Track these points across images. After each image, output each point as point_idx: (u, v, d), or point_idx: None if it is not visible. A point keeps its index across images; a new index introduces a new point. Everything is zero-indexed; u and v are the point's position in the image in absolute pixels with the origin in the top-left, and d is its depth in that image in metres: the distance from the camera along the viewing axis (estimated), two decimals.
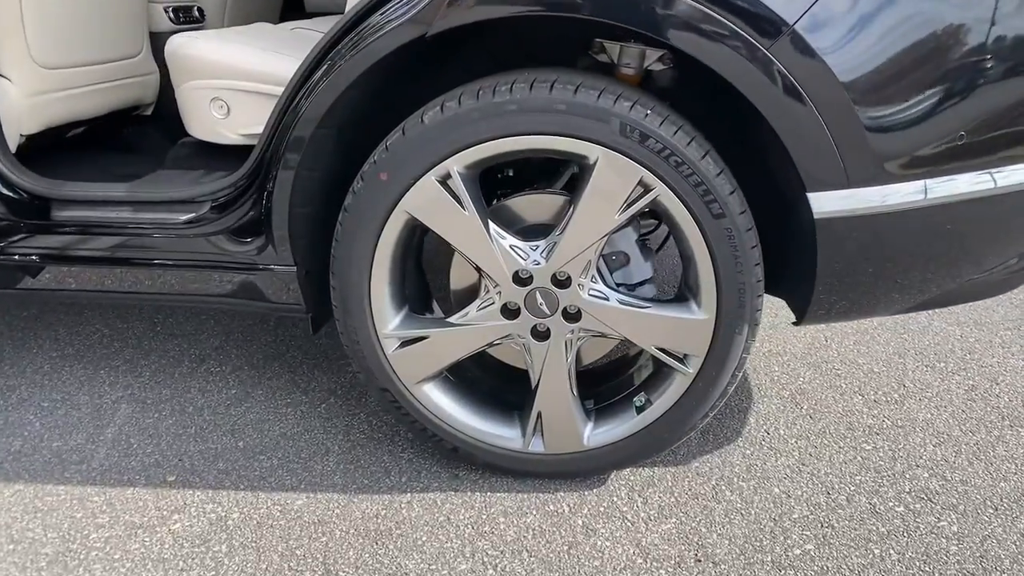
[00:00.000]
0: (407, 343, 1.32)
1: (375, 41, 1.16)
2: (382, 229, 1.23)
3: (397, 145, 1.18)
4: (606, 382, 1.46)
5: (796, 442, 1.48)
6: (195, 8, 2.23)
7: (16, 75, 1.57)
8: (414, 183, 1.19)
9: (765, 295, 1.28)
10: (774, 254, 1.32)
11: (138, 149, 1.95)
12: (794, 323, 1.32)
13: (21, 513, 1.32)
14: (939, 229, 1.14)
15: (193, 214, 1.40)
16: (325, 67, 1.22)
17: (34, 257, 1.48)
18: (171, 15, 2.11)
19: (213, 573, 1.18)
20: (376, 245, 1.24)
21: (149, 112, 2.11)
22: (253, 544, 1.25)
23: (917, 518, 1.27)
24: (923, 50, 1.05)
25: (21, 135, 1.60)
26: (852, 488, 1.35)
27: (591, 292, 1.24)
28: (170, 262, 1.43)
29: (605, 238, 1.20)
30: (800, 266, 1.24)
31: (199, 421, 1.60)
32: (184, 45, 1.55)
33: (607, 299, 1.25)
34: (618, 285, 1.30)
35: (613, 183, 1.15)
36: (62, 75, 1.69)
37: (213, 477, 1.42)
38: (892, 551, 1.20)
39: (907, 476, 1.38)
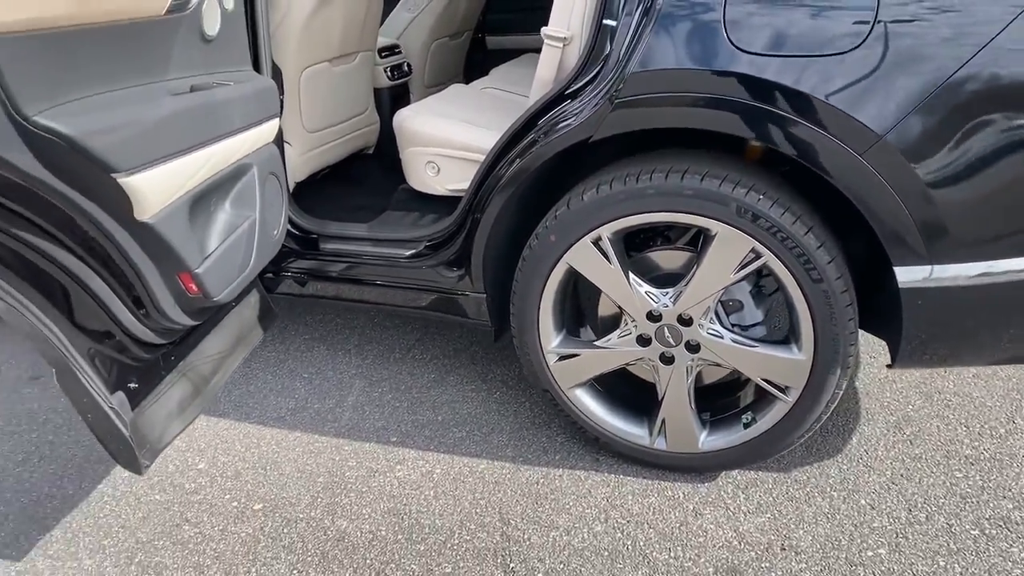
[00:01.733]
0: (564, 358, 1.75)
1: (547, 144, 1.57)
2: (549, 275, 1.66)
3: (563, 215, 1.60)
4: (721, 399, 1.79)
5: (891, 463, 1.72)
6: (405, 64, 2.78)
7: (294, 140, 2.18)
8: (574, 243, 1.60)
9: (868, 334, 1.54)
10: (871, 305, 1.58)
11: (366, 183, 2.54)
12: (888, 366, 1.57)
13: (301, 453, 1.95)
14: (1009, 301, 1.34)
15: (414, 251, 1.92)
16: (509, 158, 1.65)
17: (302, 274, 2.09)
18: (389, 73, 2.67)
19: (424, 510, 1.71)
20: (544, 286, 1.67)
21: (371, 151, 2.70)
22: (451, 493, 1.76)
23: (989, 542, 1.49)
24: (992, 155, 1.26)
25: (295, 183, 2.23)
26: (934, 508, 1.58)
27: (709, 331, 1.58)
28: (394, 284, 1.96)
29: (721, 291, 1.53)
30: (891, 319, 1.49)
31: (410, 397, 2.16)
32: (407, 119, 2.07)
33: (722, 337, 1.58)
34: (732, 326, 1.63)
35: (729, 251, 1.48)
36: (320, 135, 2.29)
37: (422, 441, 1.96)
38: (956, 566, 1.44)
39: (990, 505, 1.58)
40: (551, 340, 1.74)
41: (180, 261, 1.29)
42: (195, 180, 1.30)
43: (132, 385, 1.40)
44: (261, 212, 1.63)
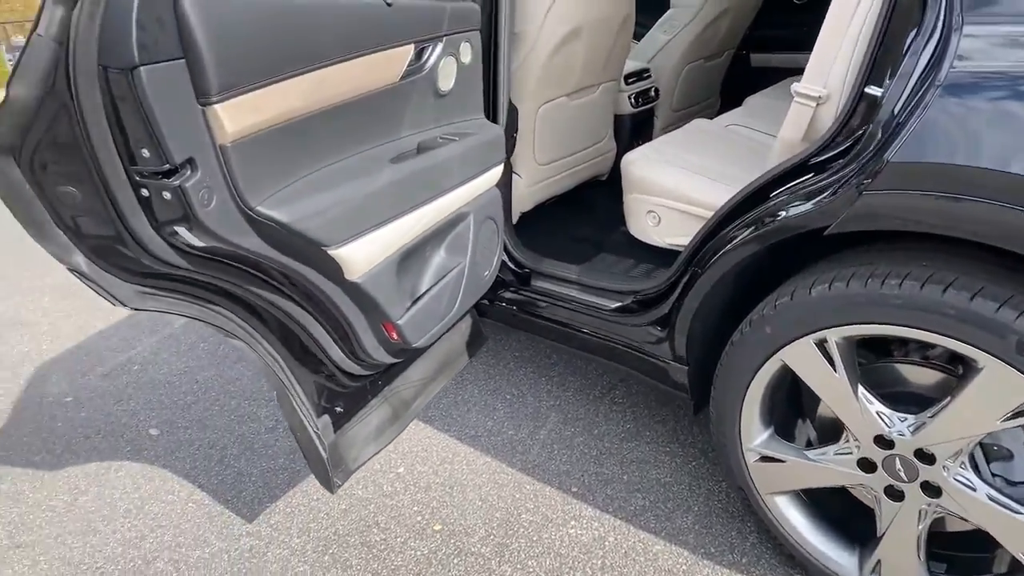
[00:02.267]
0: (767, 459, 1.54)
1: (774, 227, 1.37)
2: (759, 368, 1.46)
3: (784, 307, 1.39)
4: (964, 551, 1.44)
5: None
6: (652, 89, 2.66)
7: (523, 172, 2.22)
8: (794, 341, 1.39)
9: None
10: None
11: (591, 213, 2.50)
12: None
13: (486, 480, 2.02)
14: None
15: (620, 304, 1.83)
16: (735, 225, 1.48)
17: (513, 306, 2.13)
18: (632, 100, 2.58)
19: None
20: (752, 379, 1.48)
21: (604, 178, 2.65)
22: (618, 570, 1.68)
23: None
24: None
25: (520, 213, 2.27)
26: None
27: (958, 477, 1.27)
28: (595, 334, 1.91)
29: (982, 436, 1.21)
30: None
31: (600, 446, 2.11)
32: (633, 164, 1.97)
33: (975, 489, 1.26)
34: (994, 476, 1.28)
35: (1001, 392, 1.16)
36: (551, 167, 2.30)
37: (602, 499, 1.90)
38: None
39: None
40: (753, 437, 1.55)
41: (384, 313, 1.38)
42: (404, 240, 1.38)
43: (338, 409, 1.55)
44: (472, 257, 1.68)
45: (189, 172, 0.92)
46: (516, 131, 2.08)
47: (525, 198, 2.25)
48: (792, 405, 1.63)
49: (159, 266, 1.02)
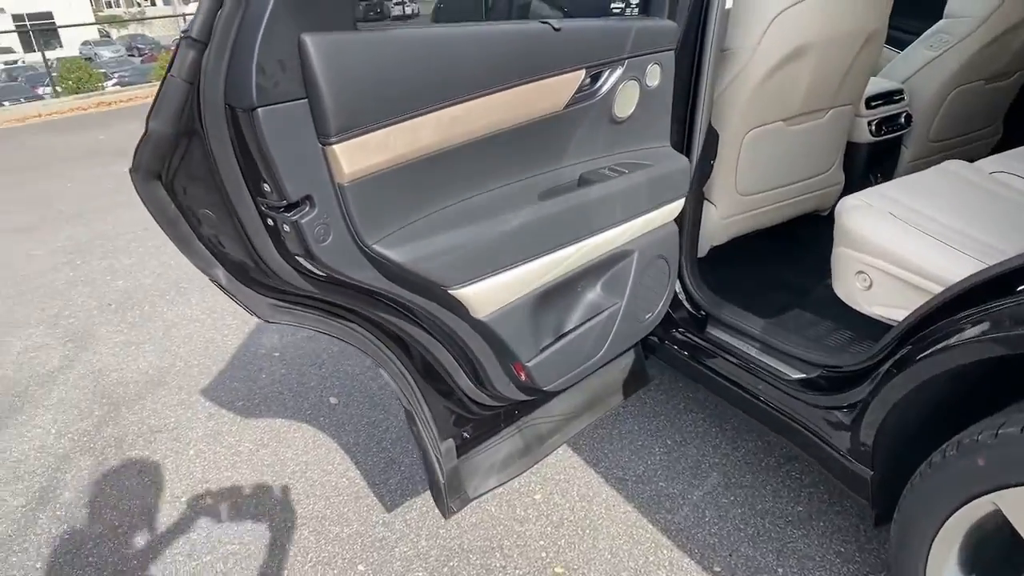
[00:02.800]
0: None
1: (1005, 336, 1.03)
2: (958, 507, 1.14)
3: (1011, 439, 1.05)
4: None
5: None
6: (902, 115, 2.21)
7: (719, 201, 1.99)
8: (1017, 485, 1.05)
9: None
10: None
11: (796, 254, 2.17)
12: None
13: (622, 531, 1.87)
14: None
15: (803, 376, 1.56)
16: (968, 313, 1.15)
17: (683, 349, 1.92)
18: (873, 128, 2.17)
19: None
20: (949, 515, 1.16)
21: (825, 213, 2.28)
22: None
23: None
24: None
25: (710, 247, 2.05)
26: None
27: None
28: (767, 401, 1.65)
29: None
30: None
31: (758, 524, 1.84)
32: (850, 212, 1.64)
33: None
34: None
35: None
36: (755, 198, 2.03)
37: None
38: None
39: None
40: None
41: (513, 353, 1.31)
42: (542, 280, 1.28)
43: (465, 435, 1.52)
44: (630, 299, 1.54)
45: (308, 208, 0.93)
46: (714, 157, 1.87)
47: (719, 230, 2.02)
48: (1008, 564, 1.25)
49: (289, 287, 1.06)
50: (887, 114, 2.18)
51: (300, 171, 0.90)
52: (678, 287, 1.87)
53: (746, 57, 1.74)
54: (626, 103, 1.41)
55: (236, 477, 2.16)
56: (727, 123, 1.83)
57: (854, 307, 1.66)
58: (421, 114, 0.98)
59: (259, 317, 1.09)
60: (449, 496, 1.47)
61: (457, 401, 1.47)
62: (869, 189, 1.71)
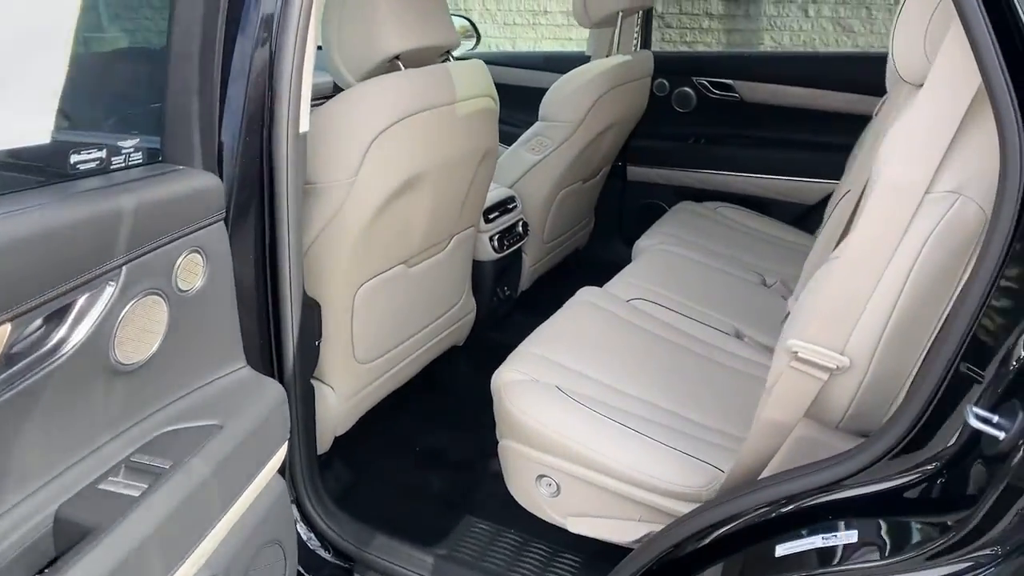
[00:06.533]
0: None
1: None
2: None
3: None
4: None
5: None
6: (519, 224, 1.97)
7: (337, 381, 1.42)
8: None
9: None
10: None
11: (444, 408, 1.77)
12: None
13: None
14: None
15: None
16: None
17: None
18: (495, 244, 1.87)
19: None
20: None
21: (461, 344, 1.91)
22: None
23: None
24: None
25: (334, 438, 1.47)
26: None
27: None
28: None
29: None
30: None
31: None
32: (508, 394, 1.23)
33: None
34: None
35: None
36: (380, 364, 1.52)
37: None
38: None
39: None
40: None
41: None
42: None
43: None
44: None
45: None
46: (319, 336, 1.30)
47: (341, 416, 1.45)
48: None
49: None
50: (506, 225, 1.91)
51: None
52: (302, 529, 1.26)
53: (341, 195, 1.22)
54: (138, 337, 0.74)
55: None
56: (328, 284, 1.28)
57: (548, 521, 1.25)
58: None
59: None
60: None
61: None
62: (518, 354, 1.33)
